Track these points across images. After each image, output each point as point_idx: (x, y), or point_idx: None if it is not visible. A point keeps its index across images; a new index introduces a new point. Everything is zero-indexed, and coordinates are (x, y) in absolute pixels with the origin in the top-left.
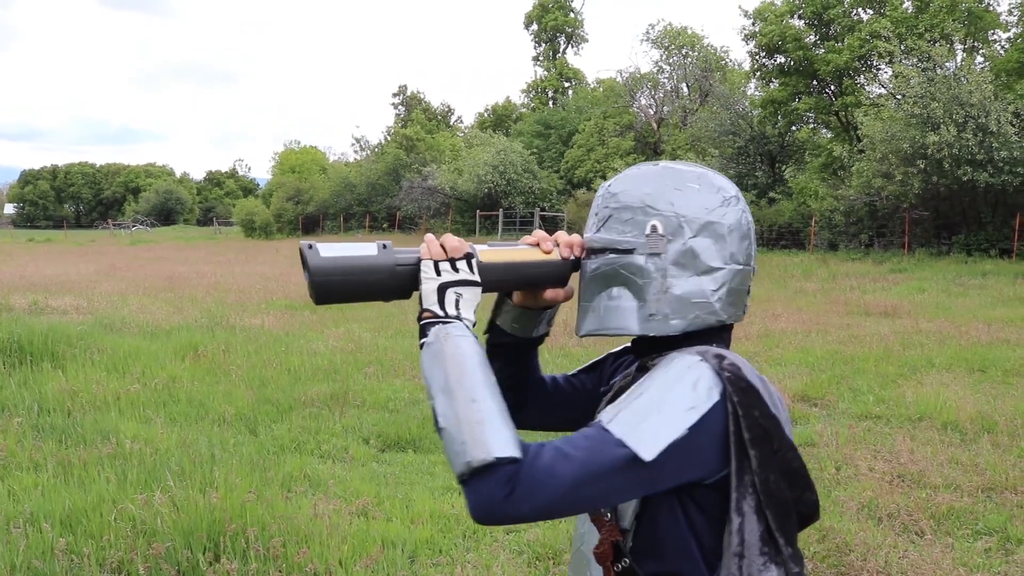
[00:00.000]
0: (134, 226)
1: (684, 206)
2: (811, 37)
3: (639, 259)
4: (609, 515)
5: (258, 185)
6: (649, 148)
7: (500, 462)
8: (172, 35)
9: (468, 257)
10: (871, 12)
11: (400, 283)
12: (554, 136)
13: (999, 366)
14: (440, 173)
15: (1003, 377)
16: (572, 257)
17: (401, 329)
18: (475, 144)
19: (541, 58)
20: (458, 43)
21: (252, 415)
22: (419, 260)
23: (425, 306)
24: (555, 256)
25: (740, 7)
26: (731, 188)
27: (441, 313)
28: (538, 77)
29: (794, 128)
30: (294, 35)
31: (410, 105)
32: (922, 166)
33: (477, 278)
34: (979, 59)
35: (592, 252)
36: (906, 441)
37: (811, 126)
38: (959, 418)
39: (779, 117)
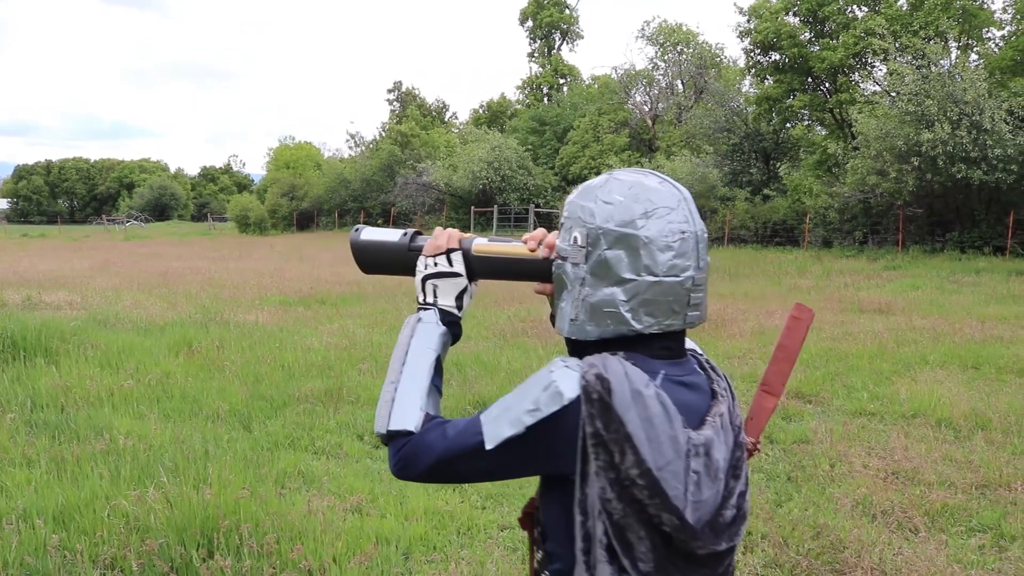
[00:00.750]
0: (128, 221)
1: (603, 218)
2: (806, 34)
3: (568, 267)
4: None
5: (253, 181)
6: (644, 145)
7: (393, 434)
8: (166, 31)
9: (448, 252)
10: (866, 9)
11: (408, 265)
12: (549, 132)
13: (993, 363)
14: (435, 169)
15: (997, 374)
16: (549, 256)
17: (395, 325)
18: (470, 140)
19: (536, 54)
20: (453, 39)
21: (246, 411)
22: (421, 250)
23: (416, 294)
24: (538, 254)
25: (735, 4)
26: (665, 199)
27: (421, 300)
28: (533, 73)
29: (789, 125)
30: (288, 31)
31: (405, 101)
32: (916, 163)
33: (456, 270)
34: (973, 57)
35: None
36: (900, 438)
37: (806, 123)
38: (953, 415)
39: (774, 114)
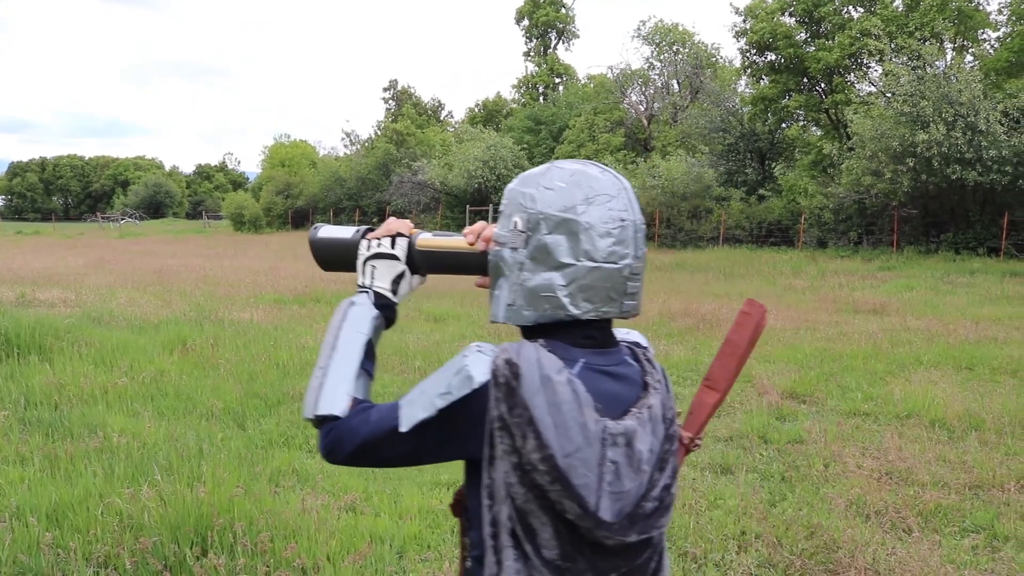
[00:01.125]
0: (123, 219)
1: (544, 203)
2: (802, 35)
3: (506, 252)
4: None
5: (248, 179)
6: (639, 144)
7: (320, 419)
8: (162, 29)
9: (394, 236)
10: (862, 10)
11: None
12: (544, 132)
13: (987, 364)
14: (430, 168)
15: (990, 375)
16: (487, 250)
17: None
18: (465, 139)
19: (532, 53)
20: (449, 38)
21: (240, 409)
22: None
23: (357, 277)
24: (477, 247)
25: (731, 4)
26: (606, 187)
27: (359, 282)
28: (529, 73)
29: (784, 125)
30: (283, 29)
31: (400, 100)
32: (911, 164)
33: (395, 253)
34: (969, 58)
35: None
36: (894, 438)
37: (801, 123)
38: (947, 416)
39: (769, 114)
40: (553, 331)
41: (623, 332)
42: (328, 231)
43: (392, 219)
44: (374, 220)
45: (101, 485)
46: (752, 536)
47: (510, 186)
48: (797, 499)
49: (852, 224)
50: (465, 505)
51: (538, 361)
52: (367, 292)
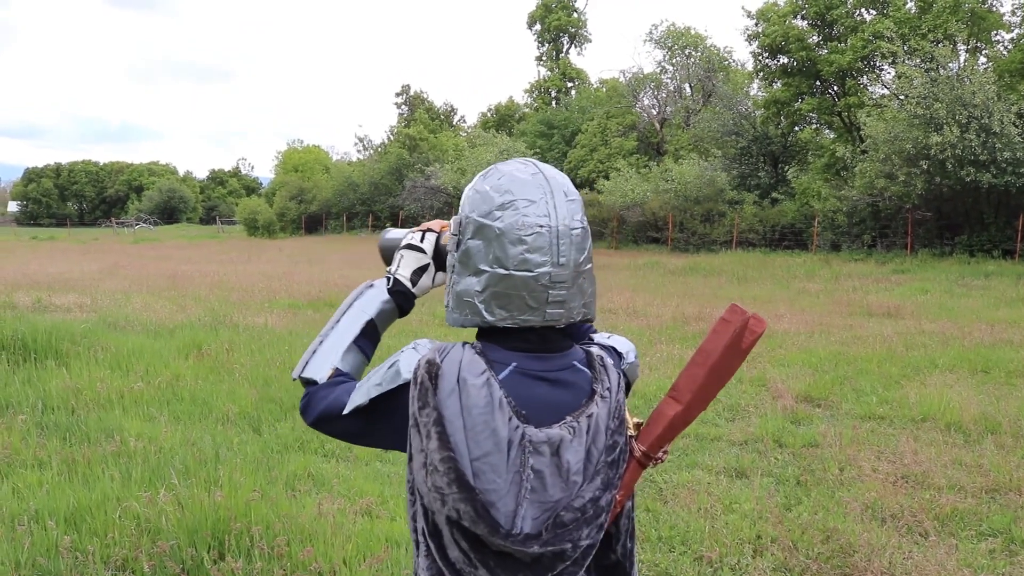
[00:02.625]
0: (137, 224)
1: (469, 207)
2: (814, 38)
3: (449, 255)
4: None
5: (261, 184)
6: (652, 148)
7: (304, 381)
8: (174, 33)
9: (426, 231)
10: (874, 13)
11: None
12: (557, 136)
13: (1002, 367)
14: (443, 172)
15: (1006, 378)
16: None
17: (404, 328)
18: (478, 144)
19: (544, 58)
20: (461, 43)
21: (256, 414)
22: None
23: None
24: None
25: (743, 8)
26: (529, 192)
27: (387, 267)
28: (541, 77)
29: (797, 128)
30: (296, 33)
31: (413, 104)
32: (925, 167)
33: (423, 247)
34: (982, 60)
35: None
36: (910, 442)
37: (814, 127)
38: (963, 419)
39: (782, 117)
40: (493, 334)
41: (602, 336)
42: (392, 233)
43: (435, 221)
44: (387, 225)
45: (118, 489)
46: (768, 540)
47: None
48: (812, 503)
49: (866, 227)
50: None
51: (460, 363)
52: (388, 277)
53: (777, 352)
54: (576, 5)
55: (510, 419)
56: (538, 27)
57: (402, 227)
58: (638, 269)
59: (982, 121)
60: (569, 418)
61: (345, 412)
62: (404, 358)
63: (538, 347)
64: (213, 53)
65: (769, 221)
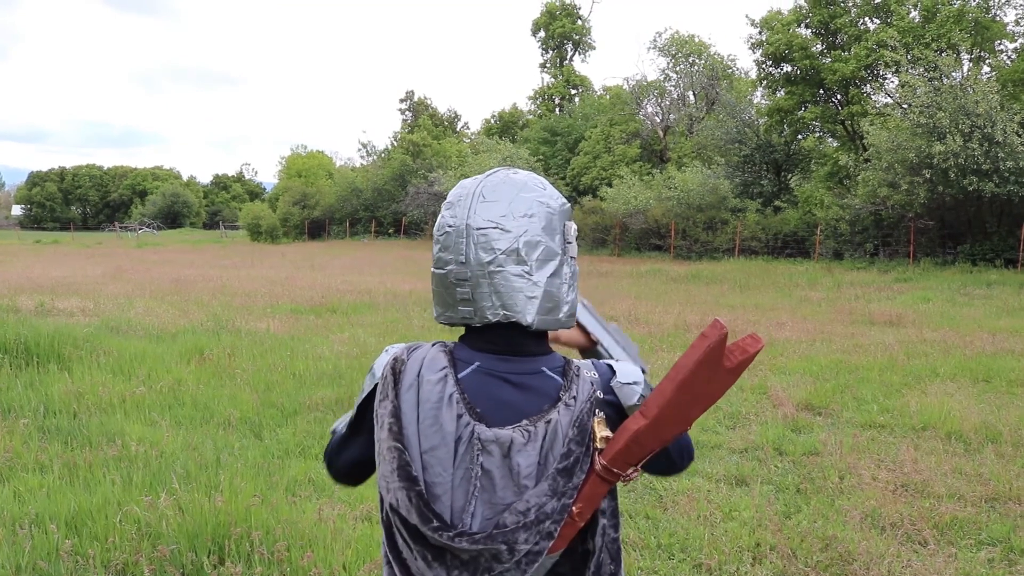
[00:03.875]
0: (141, 229)
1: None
2: (818, 46)
3: None
4: None
5: (264, 189)
6: (655, 156)
7: (332, 432)
8: (179, 38)
9: None
10: (878, 22)
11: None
12: (560, 143)
13: (1003, 376)
14: (446, 179)
15: (1007, 387)
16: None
17: (406, 335)
18: (481, 150)
19: (548, 65)
20: (465, 49)
21: (257, 419)
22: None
23: None
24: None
25: (747, 16)
26: (456, 194)
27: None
28: (545, 84)
29: (800, 137)
30: (301, 40)
31: (417, 111)
32: (928, 175)
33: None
34: (985, 69)
35: None
36: (910, 451)
37: (817, 135)
38: (963, 428)
39: (785, 126)
40: (468, 333)
41: (616, 362)
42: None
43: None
44: (390, 231)
45: (119, 493)
46: (767, 548)
47: None
48: (812, 511)
49: (868, 236)
50: None
51: (422, 360)
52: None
53: (778, 360)
54: (580, 12)
55: (460, 416)
56: (542, 34)
57: (404, 233)
58: (640, 276)
59: (985, 130)
60: (525, 421)
61: (343, 430)
62: (377, 361)
63: (503, 349)
64: (218, 58)
65: (772, 229)
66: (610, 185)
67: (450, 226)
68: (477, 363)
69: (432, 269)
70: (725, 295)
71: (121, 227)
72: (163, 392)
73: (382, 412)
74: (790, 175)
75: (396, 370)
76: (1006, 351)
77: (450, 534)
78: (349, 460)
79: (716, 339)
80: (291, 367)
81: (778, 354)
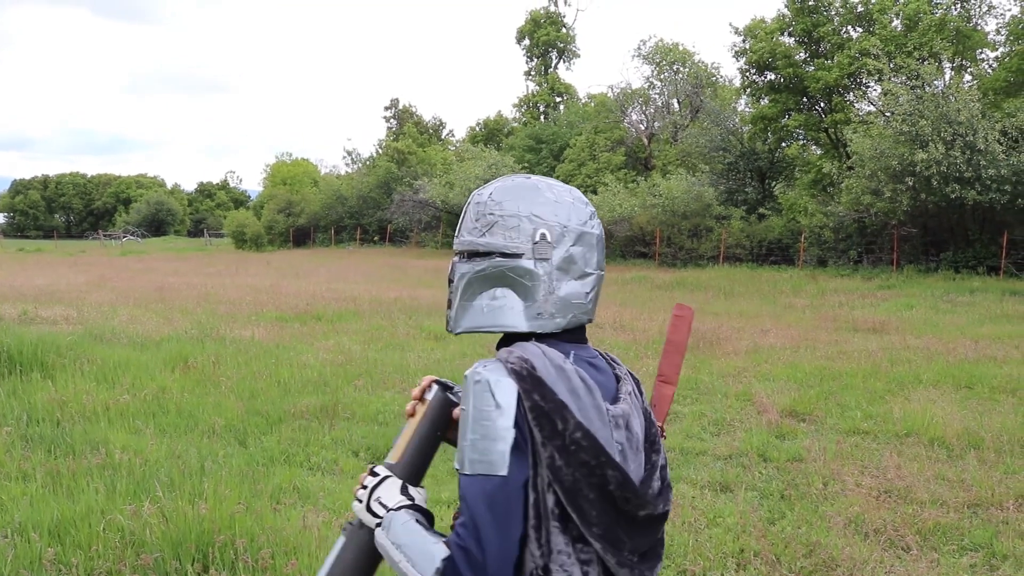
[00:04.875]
0: (125, 237)
1: (566, 217)
2: (801, 54)
3: (527, 263)
4: None
5: (249, 197)
6: (640, 163)
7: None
8: (164, 46)
9: (370, 472)
10: (860, 30)
11: (370, 537)
12: (545, 150)
13: (986, 383)
14: (431, 186)
15: (990, 394)
16: (433, 391)
17: (391, 342)
18: (466, 158)
19: (533, 73)
20: (450, 57)
21: (242, 427)
22: (357, 517)
23: (372, 527)
24: (425, 405)
25: (731, 24)
26: (591, 205)
27: (377, 521)
28: (530, 92)
29: (784, 144)
30: (285, 47)
31: (402, 118)
32: (911, 183)
33: (385, 473)
34: (967, 78)
35: (475, 255)
36: (893, 457)
37: (801, 142)
38: (946, 434)
39: (769, 133)
40: (569, 333)
41: None
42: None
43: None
44: (375, 239)
45: (103, 501)
46: (751, 554)
47: (504, 197)
48: (796, 517)
49: (852, 243)
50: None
51: (544, 354)
52: (386, 515)
53: (762, 367)
54: (565, 20)
55: (601, 398)
56: (527, 42)
57: (389, 241)
58: (626, 284)
59: (967, 138)
60: (621, 396)
61: (507, 472)
62: (488, 376)
63: (580, 338)
64: (203, 66)
65: (756, 236)
66: (595, 192)
67: (597, 236)
68: (573, 351)
69: (603, 273)
70: (710, 302)
71: (105, 235)
72: (147, 400)
73: (551, 407)
74: (774, 183)
75: (532, 366)
76: (988, 358)
77: (653, 500)
78: (520, 513)
79: (689, 316)
80: (276, 375)
81: (762, 361)
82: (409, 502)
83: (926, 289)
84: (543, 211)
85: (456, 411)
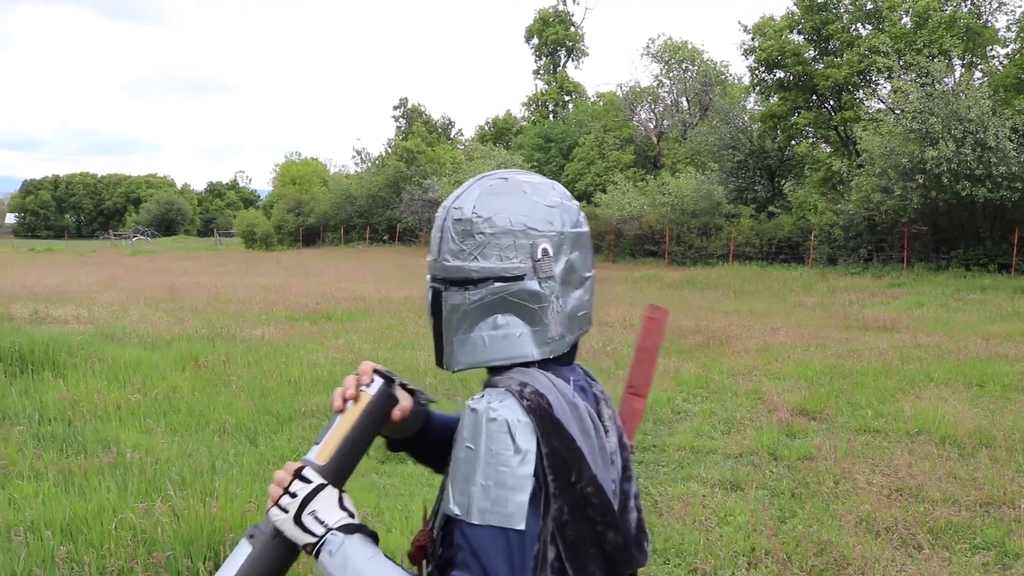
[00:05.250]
0: (135, 236)
1: (560, 223)
2: (810, 52)
3: (531, 284)
4: (432, 520)
5: (259, 196)
6: (649, 162)
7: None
8: (172, 46)
9: (297, 475)
10: (870, 27)
11: (285, 550)
12: (554, 149)
13: (997, 381)
14: (441, 186)
15: (1001, 392)
16: (373, 383)
17: (400, 341)
18: (476, 157)
19: (542, 72)
20: (459, 56)
21: (252, 425)
22: (271, 520)
23: (301, 544)
24: (365, 399)
25: (740, 22)
26: (573, 198)
27: (313, 539)
28: (539, 91)
29: (793, 142)
30: (295, 47)
31: (411, 118)
32: (921, 181)
33: (320, 481)
34: (977, 75)
35: (468, 282)
36: (904, 455)
37: (810, 140)
38: (957, 432)
39: (778, 131)
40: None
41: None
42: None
43: (277, 472)
44: (385, 238)
45: (115, 500)
46: (762, 553)
47: (492, 211)
48: (807, 516)
49: (862, 241)
50: (433, 552)
51: (555, 387)
52: (329, 537)
53: (773, 365)
54: (573, 19)
55: (603, 434)
56: (535, 41)
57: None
58: (635, 282)
59: (977, 136)
60: (607, 422)
61: (523, 526)
62: (504, 413)
63: (573, 355)
64: (211, 66)
65: (766, 235)
66: (604, 191)
67: (588, 235)
68: (572, 378)
69: (588, 279)
70: (720, 300)
71: (115, 235)
72: (158, 399)
73: (569, 455)
74: (784, 181)
75: (549, 404)
76: (1000, 356)
77: (643, 555)
78: (530, 564)
79: (663, 318)
80: (286, 374)
81: (773, 359)
82: (350, 519)
83: (937, 287)
84: (537, 221)
85: (396, 412)
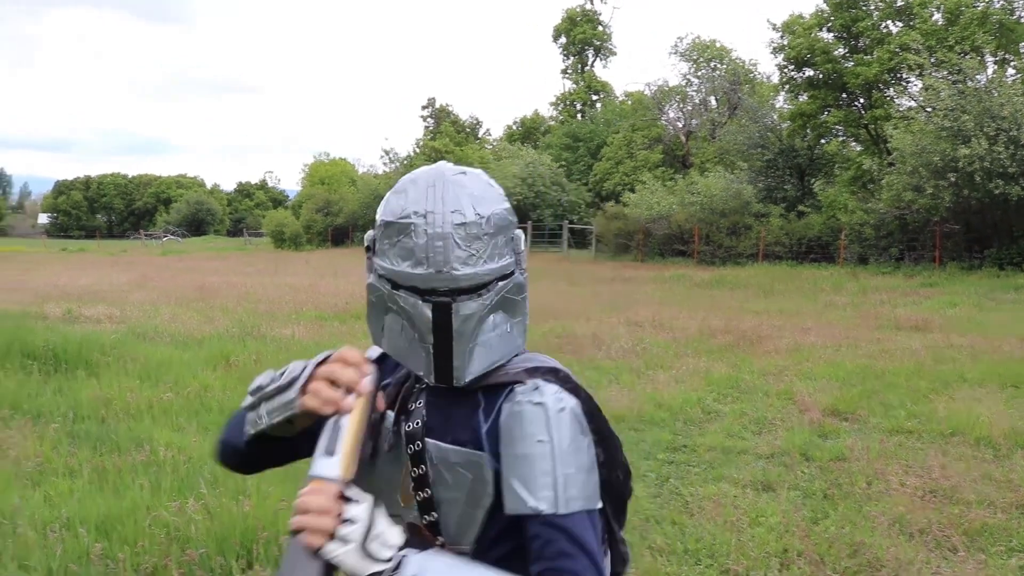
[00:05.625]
0: (165, 236)
1: (511, 211)
2: (840, 50)
3: (519, 277)
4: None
5: (288, 196)
6: (677, 161)
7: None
8: (202, 47)
9: (344, 499)
10: (900, 25)
11: None
12: (583, 149)
13: None
14: None
15: None
16: (370, 374)
17: None
18: (504, 157)
19: (570, 71)
20: (487, 56)
21: None
22: (318, 553)
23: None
24: (366, 393)
25: (769, 20)
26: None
27: (381, 567)
28: (567, 90)
29: (823, 141)
30: (323, 48)
31: (439, 118)
32: (953, 179)
33: (369, 499)
34: (1010, 71)
35: (481, 288)
36: (938, 456)
37: (840, 139)
38: (992, 434)
39: (808, 130)
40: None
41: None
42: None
43: (301, 500)
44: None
45: (148, 498)
46: (794, 554)
47: (487, 210)
48: (840, 517)
49: (893, 240)
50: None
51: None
52: (405, 561)
53: (804, 365)
54: (601, 18)
55: None
56: (563, 40)
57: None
58: (664, 282)
59: (1011, 133)
60: None
61: (601, 506)
62: (559, 401)
63: None
64: (240, 67)
65: (796, 234)
66: (633, 191)
67: None
68: None
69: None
70: (749, 300)
71: (146, 235)
72: (190, 398)
73: (609, 432)
74: (813, 180)
75: (587, 395)
76: None
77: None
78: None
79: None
80: None
81: (804, 359)
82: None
83: (969, 287)
84: (511, 212)
85: (381, 402)
